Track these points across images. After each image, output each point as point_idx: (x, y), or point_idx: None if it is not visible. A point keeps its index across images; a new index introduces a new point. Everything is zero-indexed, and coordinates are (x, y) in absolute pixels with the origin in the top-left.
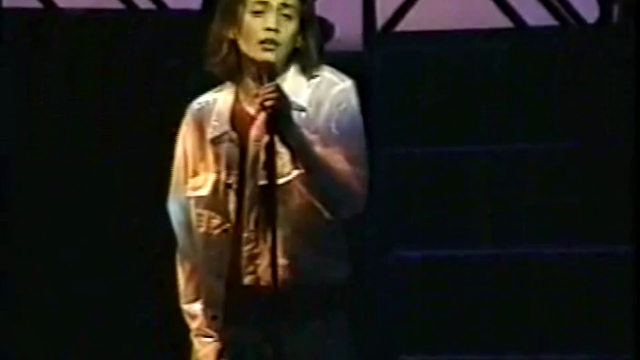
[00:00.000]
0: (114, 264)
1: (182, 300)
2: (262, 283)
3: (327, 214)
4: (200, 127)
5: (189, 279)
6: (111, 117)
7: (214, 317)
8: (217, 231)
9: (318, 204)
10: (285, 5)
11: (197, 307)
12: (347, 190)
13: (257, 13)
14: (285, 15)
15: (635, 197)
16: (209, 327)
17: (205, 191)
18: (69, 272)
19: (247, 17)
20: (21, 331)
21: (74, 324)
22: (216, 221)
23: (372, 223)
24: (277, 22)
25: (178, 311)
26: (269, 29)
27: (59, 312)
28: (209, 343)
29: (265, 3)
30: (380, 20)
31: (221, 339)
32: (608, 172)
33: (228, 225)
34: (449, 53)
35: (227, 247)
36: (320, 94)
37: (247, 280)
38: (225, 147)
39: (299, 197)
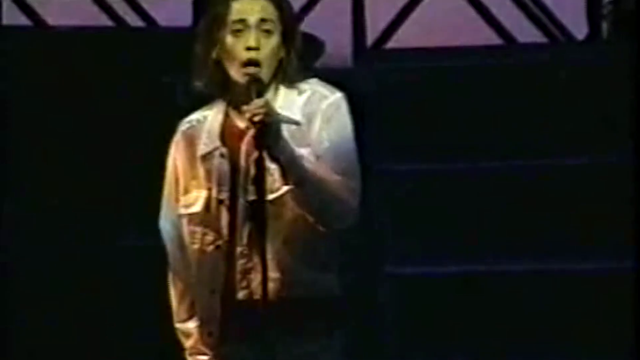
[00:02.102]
0: (108, 282)
1: (176, 319)
2: (256, 297)
3: (319, 227)
4: (190, 145)
5: (182, 297)
6: (102, 134)
7: (210, 334)
8: (210, 247)
9: (310, 218)
10: (263, 20)
11: (191, 325)
12: (338, 203)
13: (237, 32)
14: (266, 31)
15: (636, 211)
16: (203, 344)
17: (197, 208)
18: (62, 291)
19: (229, 39)
20: (19, 347)
21: (68, 343)
22: (209, 237)
23: (366, 239)
24: (257, 39)
25: (172, 330)
26: (249, 48)
27: (56, 329)
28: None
29: (243, 21)
30: (371, 37)
31: (216, 356)
32: (605, 187)
33: (221, 241)
34: (439, 70)
35: (221, 262)
36: (312, 107)
37: (241, 295)
38: (216, 162)
39: (290, 211)
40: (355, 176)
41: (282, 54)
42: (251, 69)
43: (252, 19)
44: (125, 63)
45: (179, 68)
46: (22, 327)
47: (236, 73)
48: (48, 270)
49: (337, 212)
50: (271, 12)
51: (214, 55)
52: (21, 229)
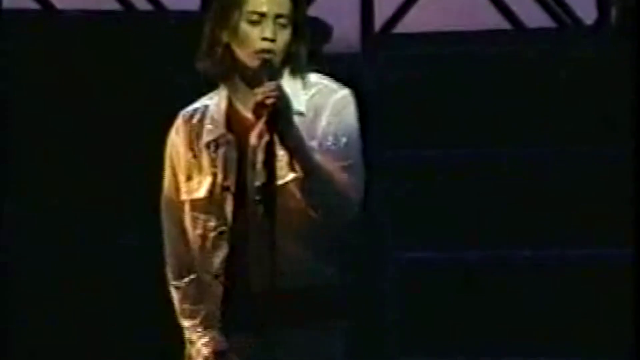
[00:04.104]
0: (108, 282)
1: (171, 276)
2: (257, 288)
3: (320, 220)
4: (192, 132)
5: (180, 256)
6: (103, 133)
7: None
8: (213, 233)
9: (311, 210)
10: (280, 15)
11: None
12: (342, 198)
13: (253, 22)
14: (281, 25)
15: (636, 199)
16: (206, 324)
17: (201, 194)
18: (63, 291)
19: (243, 26)
20: (19, 347)
21: (69, 343)
22: (212, 223)
23: (373, 226)
24: (274, 32)
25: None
26: (265, 39)
27: (56, 329)
28: (206, 334)
29: (261, 14)
30: (379, 21)
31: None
32: (607, 174)
33: (224, 227)
34: (447, 55)
35: (224, 248)
36: (320, 102)
37: (244, 285)
38: (222, 150)
39: (294, 200)
40: (360, 175)
41: (293, 47)
42: (265, 56)
43: (270, 13)
44: (133, 47)
45: (186, 52)
46: (22, 327)
47: (247, 58)
48: (48, 270)
49: (340, 207)
50: (287, 7)
51: (225, 38)
52: (22, 229)
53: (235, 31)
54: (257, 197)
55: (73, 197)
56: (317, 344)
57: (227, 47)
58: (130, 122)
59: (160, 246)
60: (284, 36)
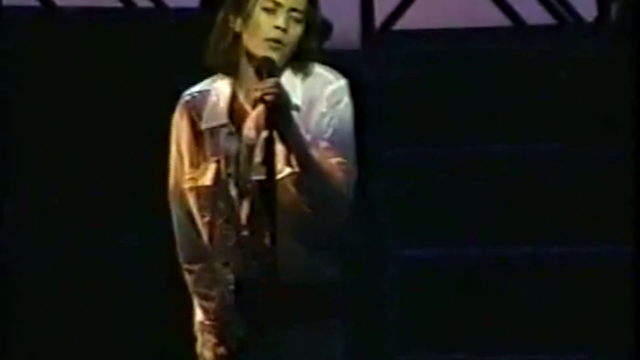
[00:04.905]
0: (108, 282)
1: (193, 287)
2: (255, 282)
3: (314, 217)
4: (194, 117)
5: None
6: (109, 119)
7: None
8: (220, 220)
9: (306, 207)
10: (295, 9)
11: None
12: (336, 196)
13: (268, 10)
14: (295, 19)
15: (636, 199)
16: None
17: (207, 181)
18: (63, 291)
19: (257, 12)
20: (19, 347)
21: (69, 343)
22: (219, 210)
23: (373, 226)
24: (287, 22)
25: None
26: (277, 28)
27: (56, 329)
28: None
29: (277, 3)
30: (379, 19)
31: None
32: (607, 174)
33: (230, 215)
34: (447, 52)
35: (232, 235)
36: (315, 93)
37: (240, 279)
38: (223, 138)
39: (288, 196)
40: (353, 172)
41: (304, 44)
42: (274, 45)
43: (286, 4)
44: (133, 44)
45: (186, 53)
46: (22, 327)
47: (256, 46)
48: (48, 270)
49: (334, 205)
50: (303, 3)
51: (236, 27)
52: (21, 229)
53: (248, 18)
54: (252, 193)
55: (73, 197)
56: (317, 344)
57: (237, 37)
58: (130, 121)
59: (160, 246)
60: (296, 30)
